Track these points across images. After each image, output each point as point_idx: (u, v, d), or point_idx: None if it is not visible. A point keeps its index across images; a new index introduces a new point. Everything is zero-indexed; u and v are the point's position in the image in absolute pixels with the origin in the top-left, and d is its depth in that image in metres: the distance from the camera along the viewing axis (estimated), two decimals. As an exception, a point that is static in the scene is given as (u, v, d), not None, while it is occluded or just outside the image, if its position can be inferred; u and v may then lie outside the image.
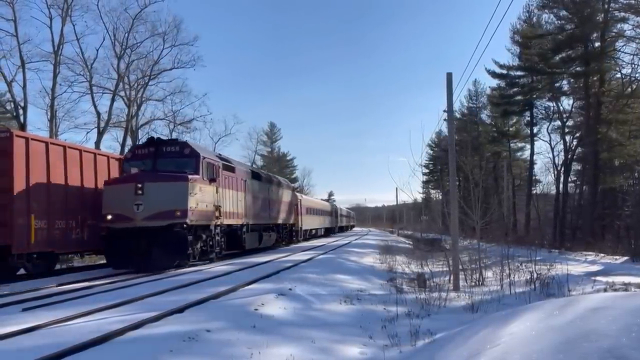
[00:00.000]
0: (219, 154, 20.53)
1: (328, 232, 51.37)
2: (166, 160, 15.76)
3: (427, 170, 69.77)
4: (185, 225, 14.67)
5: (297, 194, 35.64)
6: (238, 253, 21.11)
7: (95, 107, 34.63)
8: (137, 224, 14.28)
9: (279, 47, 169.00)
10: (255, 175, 23.42)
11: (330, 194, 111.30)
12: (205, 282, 11.81)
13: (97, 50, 34.86)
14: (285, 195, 29.68)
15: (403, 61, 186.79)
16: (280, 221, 27.98)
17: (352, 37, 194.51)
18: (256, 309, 7.97)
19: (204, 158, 16.34)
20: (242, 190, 20.56)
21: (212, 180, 16.60)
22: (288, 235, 30.72)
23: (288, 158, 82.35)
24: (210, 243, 16.89)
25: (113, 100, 35.07)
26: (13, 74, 30.57)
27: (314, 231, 42.27)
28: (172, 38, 36.53)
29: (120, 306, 8.39)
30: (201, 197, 15.63)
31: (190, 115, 40.54)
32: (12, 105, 30.94)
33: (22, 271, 14.66)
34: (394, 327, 7.61)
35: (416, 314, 8.52)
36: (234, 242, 19.87)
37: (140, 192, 14.29)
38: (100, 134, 33.98)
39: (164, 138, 18.71)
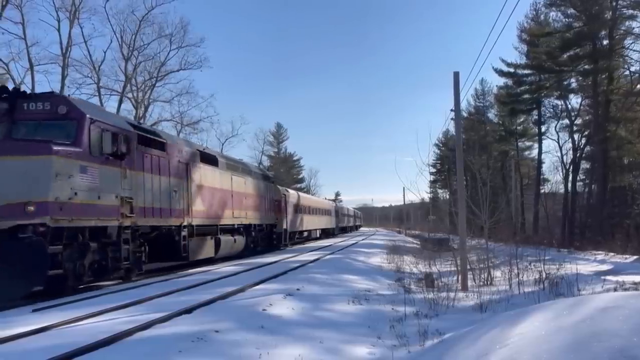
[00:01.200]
0: (138, 122, 15.43)
1: (326, 234, 45.91)
2: (28, 123, 10.46)
3: (434, 170, 69.70)
4: (43, 228, 9.36)
5: (282, 188, 30.67)
6: (209, 260, 17.06)
7: (103, 108, 34.88)
8: None
9: (284, 48, 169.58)
10: (206, 158, 17.47)
11: (337, 194, 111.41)
12: (213, 282, 11.86)
13: (105, 53, 35.22)
14: (261, 188, 23.59)
15: (409, 61, 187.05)
16: (252, 221, 21.67)
17: (357, 37, 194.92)
18: (264, 309, 7.99)
19: (94, 121, 10.91)
20: (181, 176, 15.09)
21: (113, 157, 11.35)
22: (266, 239, 24.60)
23: (295, 158, 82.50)
24: (116, 255, 11.58)
25: (121, 101, 35.37)
26: (22, 76, 30.91)
27: (305, 233, 36.29)
28: (178, 39, 36.75)
29: (129, 307, 8.44)
30: (85, 183, 10.44)
31: (197, 116, 40.86)
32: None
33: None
34: (402, 327, 7.60)
35: (424, 314, 8.50)
36: (168, 250, 14.56)
37: None
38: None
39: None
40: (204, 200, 16.78)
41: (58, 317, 7.46)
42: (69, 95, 13.83)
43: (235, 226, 19.89)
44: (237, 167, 21.19)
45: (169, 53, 36.91)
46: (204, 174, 16.96)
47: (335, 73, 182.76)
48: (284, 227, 27.83)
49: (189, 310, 7.71)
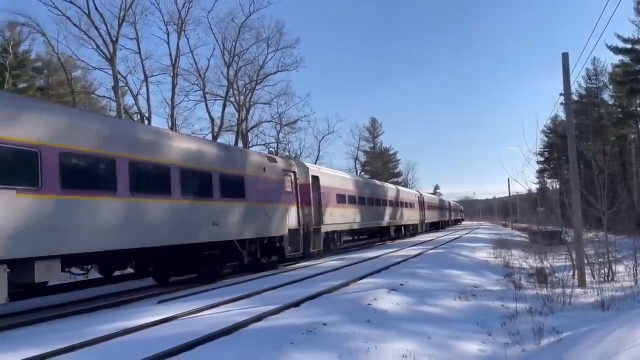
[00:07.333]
0: None
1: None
2: None
3: (542, 159, 65.45)
4: None
5: None
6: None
7: (209, 113, 37.11)
8: None
9: (378, 42, 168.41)
10: None
11: (436, 188, 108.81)
12: (317, 277, 12.16)
13: (209, 60, 37.60)
14: None
15: (512, 49, 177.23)
16: None
17: (457, 27, 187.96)
18: (369, 304, 8.05)
19: None
20: None
21: None
22: None
23: (391, 153, 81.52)
24: None
25: (225, 106, 37.31)
26: (138, 88, 33.80)
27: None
28: (275, 42, 37.92)
29: (241, 300, 8.94)
30: None
31: (295, 116, 41.96)
32: (139, 117, 34.10)
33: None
34: (514, 324, 7.28)
35: (538, 311, 8.08)
36: None
37: None
38: (215, 139, 36.29)
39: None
40: None
41: (180, 308, 8.10)
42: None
43: None
44: None
45: (267, 56, 38.27)
46: None
47: (431, 63, 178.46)
48: None
49: (297, 304, 8.00)
